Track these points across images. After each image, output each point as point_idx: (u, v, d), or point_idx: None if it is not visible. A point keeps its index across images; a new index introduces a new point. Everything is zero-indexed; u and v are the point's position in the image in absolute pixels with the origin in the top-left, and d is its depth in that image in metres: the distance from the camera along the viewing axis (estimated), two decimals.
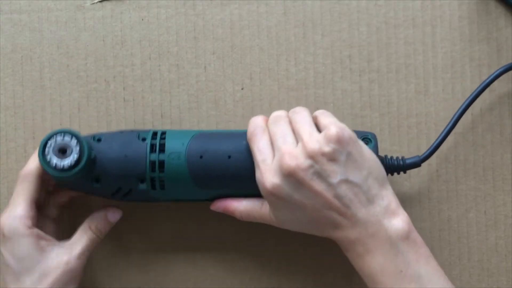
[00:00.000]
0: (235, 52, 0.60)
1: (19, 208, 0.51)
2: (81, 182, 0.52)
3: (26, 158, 0.58)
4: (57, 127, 0.59)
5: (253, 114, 0.59)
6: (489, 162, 0.59)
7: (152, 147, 0.53)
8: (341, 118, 0.59)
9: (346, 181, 0.48)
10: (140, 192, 0.53)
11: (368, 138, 0.54)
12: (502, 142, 0.60)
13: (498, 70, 0.57)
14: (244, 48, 0.60)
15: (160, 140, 0.53)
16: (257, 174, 0.51)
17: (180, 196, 0.54)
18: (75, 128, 0.59)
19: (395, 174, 0.56)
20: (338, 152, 0.48)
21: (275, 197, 0.50)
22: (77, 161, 0.50)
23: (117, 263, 0.59)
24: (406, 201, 0.59)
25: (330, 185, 0.48)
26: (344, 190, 0.48)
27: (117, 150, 0.52)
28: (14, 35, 0.59)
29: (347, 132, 0.49)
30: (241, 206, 0.54)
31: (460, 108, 0.57)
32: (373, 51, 0.60)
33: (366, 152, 0.50)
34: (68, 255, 0.52)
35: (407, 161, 0.55)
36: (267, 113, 0.59)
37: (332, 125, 0.49)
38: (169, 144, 0.53)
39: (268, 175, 0.50)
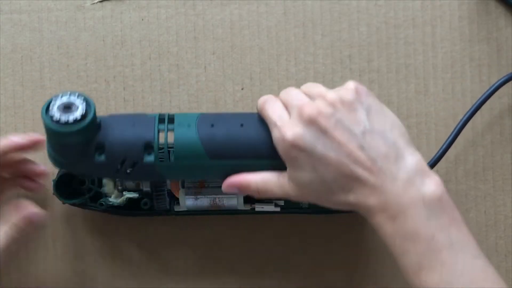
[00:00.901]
0: (235, 52, 0.60)
1: None
2: (83, 151, 0.48)
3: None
4: None
5: None
6: (489, 162, 0.59)
7: (161, 119, 0.50)
8: None
9: (371, 131, 0.46)
10: (146, 167, 0.49)
11: None
12: (502, 142, 0.60)
13: (497, 81, 0.57)
14: (244, 48, 0.60)
15: (169, 115, 0.50)
16: (275, 134, 0.48)
17: (190, 172, 0.51)
18: None
19: None
20: (359, 102, 0.46)
21: (296, 150, 0.46)
22: (83, 116, 0.47)
23: (116, 262, 0.59)
24: None
25: (354, 135, 0.45)
26: (369, 141, 0.45)
27: (124, 121, 0.49)
28: (14, 35, 0.59)
29: (365, 88, 0.47)
30: (257, 177, 0.49)
31: (460, 121, 0.56)
32: (373, 51, 0.59)
33: (387, 110, 0.48)
34: None
35: None
36: None
37: (350, 82, 0.47)
38: (179, 117, 0.50)
39: (288, 127, 0.46)
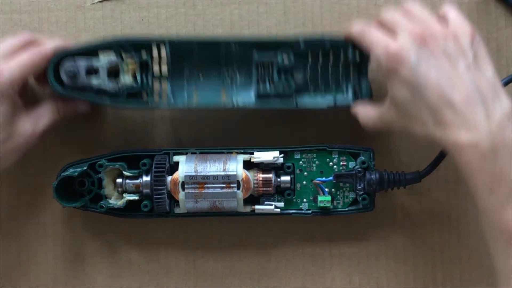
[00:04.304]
0: None
1: (19, 70, 0.51)
2: None
3: (26, 158, 0.58)
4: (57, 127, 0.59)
5: None
6: None
7: None
8: (341, 117, 0.59)
9: (474, 69, 0.47)
10: None
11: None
12: None
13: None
14: None
15: None
16: (378, 51, 0.49)
17: None
18: (73, 134, 0.59)
19: (395, 188, 0.56)
20: (470, 44, 0.48)
21: (399, 62, 0.48)
22: None
23: (117, 263, 0.59)
24: (405, 201, 0.59)
25: (457, 66, 0.47)
26: (471, 75, 0.47)
27: None
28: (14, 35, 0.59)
29: (479, 35, 0.49)
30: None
31: None
32: None
33: (490, 61, 0.49)
34: (33, 130, 0.53)
35: (407, 177, 0.55)
36: None
37: (467, 26, 0.49)
38: None
39: (393, 41, 0.49)
